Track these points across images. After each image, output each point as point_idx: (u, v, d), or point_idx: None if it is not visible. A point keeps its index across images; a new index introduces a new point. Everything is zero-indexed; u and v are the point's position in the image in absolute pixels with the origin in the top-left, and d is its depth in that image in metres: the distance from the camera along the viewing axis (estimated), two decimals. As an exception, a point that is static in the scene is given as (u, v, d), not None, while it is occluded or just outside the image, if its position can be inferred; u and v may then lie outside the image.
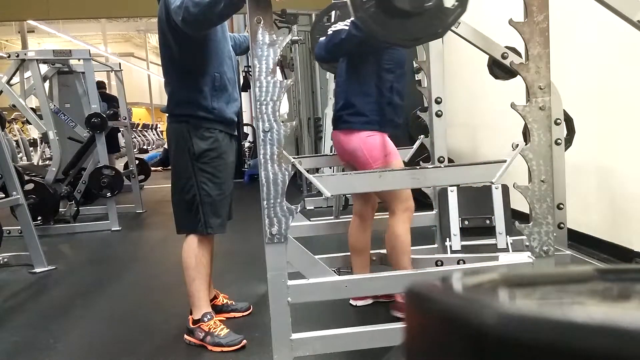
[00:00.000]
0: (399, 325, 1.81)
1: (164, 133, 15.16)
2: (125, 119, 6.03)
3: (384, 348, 1.82)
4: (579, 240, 3.21)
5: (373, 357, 1.94)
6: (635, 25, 1.85)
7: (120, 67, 6.05)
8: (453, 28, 2.08)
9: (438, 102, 2.71)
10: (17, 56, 4.88)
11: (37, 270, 3.61)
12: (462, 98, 5.08)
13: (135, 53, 25.58)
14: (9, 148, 4.42)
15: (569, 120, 2.64)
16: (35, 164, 8.30)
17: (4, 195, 3.68)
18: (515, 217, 2.52)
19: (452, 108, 4.08)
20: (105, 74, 11.07)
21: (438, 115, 2.72)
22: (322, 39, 2.44)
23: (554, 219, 1.74)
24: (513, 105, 1.68)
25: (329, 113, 4.81)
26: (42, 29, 14.63)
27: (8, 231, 4.00)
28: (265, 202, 1.64)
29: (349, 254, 2.61)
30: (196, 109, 2.25)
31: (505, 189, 2.66)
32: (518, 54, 1.92)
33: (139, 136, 18.15)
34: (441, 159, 2.72)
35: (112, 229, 4.99)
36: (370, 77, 2.35)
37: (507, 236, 2.62)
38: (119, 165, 7.13)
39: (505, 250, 2.58)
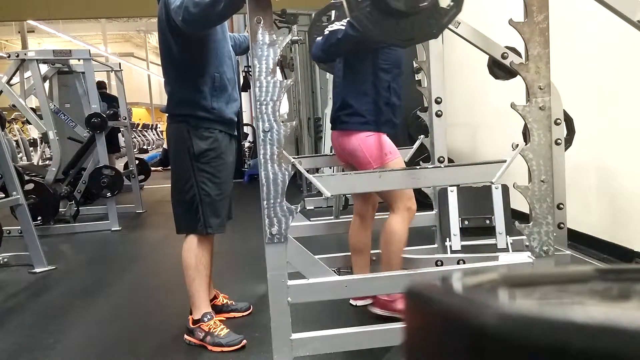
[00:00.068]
0: (399, 325, 1.81)
1: (164, 133, 15.17)
2: (125, 119, 6.03)
3: (384, 348, 1.83)
4: (579, 240, 3.21)
5: (373, 357, 1.95)
6: (635, 25, 1.85)
7: (120, 67, 6.05)
8: (453, 28, 2.09)
9: (438, 102, 2.70)
10: (17, 56, 4.88)
11: (37, 270, 3.61)
12: (462, 98, 5.08)
13: (135, 53, 25.59)
14: (9, 148, 4.41)
15: (569, 120, 2.64)
16: (35, 164, 8.29)
17: (4, 195, 3.68)
18: (515, 217, 2.52)
19: (452, 108, 4.08)
20: (105, 74, 11.10)
21: (438, 115, 2.72)
22: (319, 38, 2.43)
23: (553, 219, 1.74)
24: (513, 105, 1.67)
25: (328, 113, 4.80)
26: (42, 29, 14.63)
27: (8, 231, 4.00)
28: (265, 202, 1.64)
29: (349, 254, 2.61)
30: (196, 109, 2.25)
31: (505, 189, 2.66)
32: (518, 54, 1.92)
33: (139, 136, 18.16)
34: (441, 159, 2.72)
35: (112, 229, 5.00)
36: (368, 77, 2.33)
37: (507, 236, 2.62)
38: (119, 165, 7.13)
39: (505, 250, 2.58)
